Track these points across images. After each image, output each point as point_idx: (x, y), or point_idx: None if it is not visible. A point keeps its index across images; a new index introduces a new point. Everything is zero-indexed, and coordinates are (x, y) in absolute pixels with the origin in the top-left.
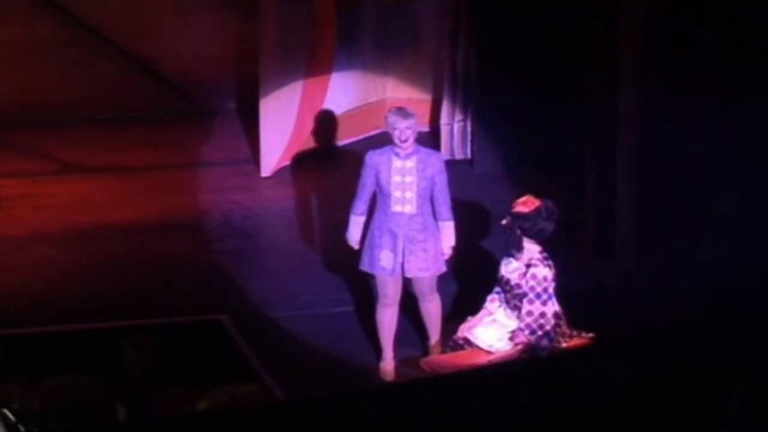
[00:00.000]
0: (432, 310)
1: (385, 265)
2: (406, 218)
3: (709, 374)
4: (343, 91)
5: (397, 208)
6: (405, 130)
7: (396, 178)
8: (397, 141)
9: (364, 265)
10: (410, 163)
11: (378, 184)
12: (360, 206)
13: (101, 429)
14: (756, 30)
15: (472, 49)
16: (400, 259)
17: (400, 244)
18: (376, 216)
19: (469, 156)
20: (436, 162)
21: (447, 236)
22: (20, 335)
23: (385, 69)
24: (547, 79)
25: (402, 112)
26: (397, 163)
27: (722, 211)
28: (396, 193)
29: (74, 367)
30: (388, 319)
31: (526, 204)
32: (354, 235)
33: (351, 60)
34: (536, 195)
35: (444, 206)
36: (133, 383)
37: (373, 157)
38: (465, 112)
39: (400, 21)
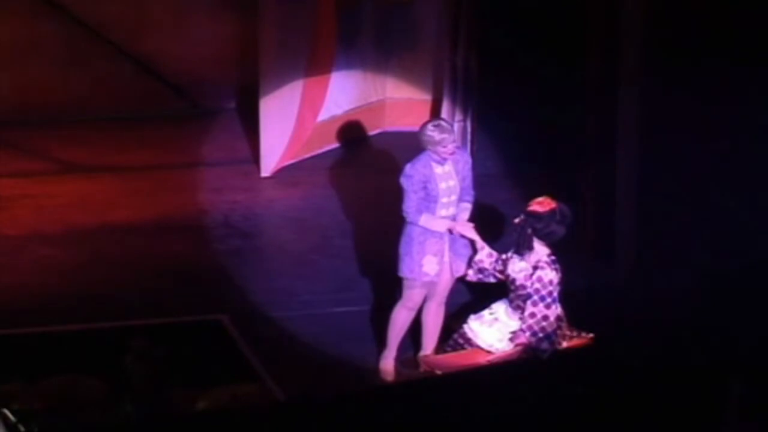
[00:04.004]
0: (441, 314)
1: (428, 270)
2: (450, 220)
3: (708, 374)
4: (343, 91)
5: (442, 212)
6: (449, 144)
7: (442, 185)
8: (442, 154)
9: (404, 272)
10: (448, 167)
11: (425, 192)
12: (422, 210)
13: (101, 429)
14: (757, 30)
15: (472, 49)
16: (443, 262)
17: (446, 247)
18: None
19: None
20: (466, 158)
21: (463, 215)
22: (20, 335)
23: (385, 69)
24: (547, 79)
25: (442, 127)
26: (438, 170)
27: (722, 212)
28: (443, 199)
29: (74, 367)
30: (404, 319)
31: (542, 204)
32: (441, 222)
33: (351, 60)
34: (553, 197)
35: (467, 194)
36: (134, 386)
37: (416, 168)
38: (465, 112)
39: (400, 21)
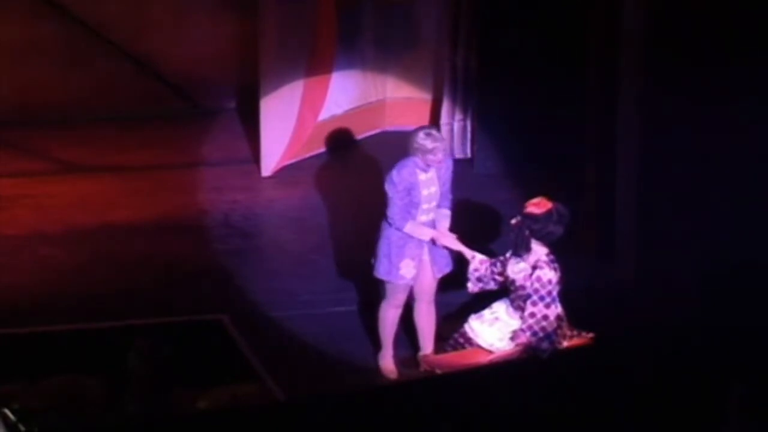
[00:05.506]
0: (432, 313)
1: (404, 273)
2: (429, 225)
3: (709, 374)
4: (343, 91)
5: (423, 218)
6: (439, 153)
7: (424, 192)
8: (430, 162)
9: (381, 273)
10: (431, 173)
11: (409, 198)
12: (407, 217)
13: (101, 429)
14: (757, 30)
15: (472, 49)
16: (422, 264)
17: (425, 252)
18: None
19: (469, 155)
20: (449, 164)
21: (443, 223)
22: (20, 335)
23: (385, 69)
24: (547, 78)
25: (433, 136)
26: (422, 176)
27: (722, 212)
28: (424, 205)
29: (74, 367)
30: (392, 317)
31: (538, 206)
32: (426, 231)
33: (351, 60)
34: (549, 197)
35: (446, 200)
36: (135, 384)
37: (402, 176)
38: (465, 112)
39: (400, 21)
